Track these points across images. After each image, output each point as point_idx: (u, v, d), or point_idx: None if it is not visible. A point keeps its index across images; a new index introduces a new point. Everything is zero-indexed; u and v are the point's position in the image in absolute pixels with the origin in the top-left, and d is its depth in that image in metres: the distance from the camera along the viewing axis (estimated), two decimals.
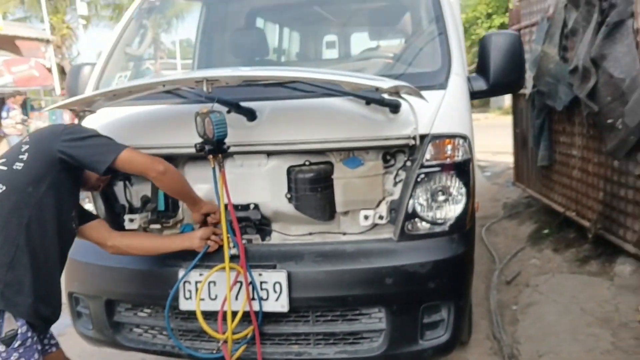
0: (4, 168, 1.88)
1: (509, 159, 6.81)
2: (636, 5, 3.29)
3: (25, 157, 1.88)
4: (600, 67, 3.52)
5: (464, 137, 2.18)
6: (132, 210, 2.48)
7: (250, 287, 2.17)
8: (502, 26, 15.89)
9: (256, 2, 3.49)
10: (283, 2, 3.59)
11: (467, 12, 18.03)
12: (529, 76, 4.69)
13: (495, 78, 2.37)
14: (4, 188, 1.84)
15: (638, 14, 3.28)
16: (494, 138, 9.15)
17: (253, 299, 2.18)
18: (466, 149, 2.18)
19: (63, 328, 2.70)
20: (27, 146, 1.92)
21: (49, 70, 17.88)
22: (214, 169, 2.11)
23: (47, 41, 19.18)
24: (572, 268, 4.02)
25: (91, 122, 2.35)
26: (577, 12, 3.83)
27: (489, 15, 17.48)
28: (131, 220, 2.42)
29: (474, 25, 17.93)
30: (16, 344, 1.78)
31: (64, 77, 15.59)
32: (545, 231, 4.88)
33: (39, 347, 1.89)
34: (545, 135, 4.83)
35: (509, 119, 6.60)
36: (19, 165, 1.87)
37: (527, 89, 4.83)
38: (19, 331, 1.79)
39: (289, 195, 2.29)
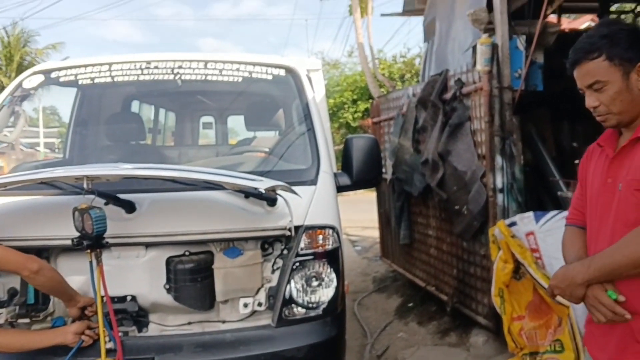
0: None
1: (377, 233, 7.31)
2: (472, 111, 3.92)
3: None
4: (446, 161, 4.08)
5: (333, 228, 2.42)
6: None
7: None
8: (367, 111, 17.31)
9: (131, 88, 3.57)
10: (159, 89, 3.73)
11: (335, 98, 19.48)
12: (389, 164, 5.22)
13: (357, 175, 2.70)
14: None
15: (474, 118, 3.91)
16: (363, 213, 9.74)
17: None
18: (335, 239, 2.42)
19: None
20: None
21: None
22: (91, 263, 2.09)
23: None
24: (434, 340, 4.38)
25: None
26: (425, 112, 4.43)
27: (354, 101, 18.97)
28: None
29: (341, 109, 19.35)
30: None
31: None
32: (410, 304, 5.27)
33: None
34: (405, 216, 5.33)
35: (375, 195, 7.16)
36: None
37: (388, 175, 5.36)
38: None
39: (167, 286, 2.32)
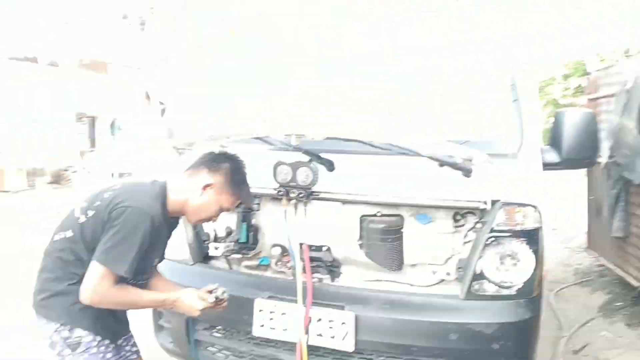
0: (77, 215, 2.02)
1: (582, 222, 6.58)
2: None
3: (90, 214, 2.00)
4: None
5: (534, 207, 2.24)
6: (217, 239, 2.63)
7: (319, 323, 2.30)
8: (579, 88, 15.50)
9: None
10: None
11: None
12: (605, 146, 4.63)
13: (568, 153, 2.42)
14: (72, 235, 2.00)
15: None
16: (570, 199, 8.82)
17: (320, 335, 2.30)
18: (536, 218, 2.24)
19: None
20: (98, 203, 2.00)
21: None
22: (286, 211, 2.30)
23: None
24: None
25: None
26: None
27: (565, 76, 17.13)
28: (216, 248, 2.56)
29: (549, 85, 17.66)
30: (80, 349, 2.00)
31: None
32: (619, 303, 4.69)
33: (110, 354, 2.07)
34: (620, 206, 4.69)
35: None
36: (82, 219, 2.00)
37: (603, 159, 4.76)
38: (83, 340, 2.01)
39: (360, 242, 2.42)
